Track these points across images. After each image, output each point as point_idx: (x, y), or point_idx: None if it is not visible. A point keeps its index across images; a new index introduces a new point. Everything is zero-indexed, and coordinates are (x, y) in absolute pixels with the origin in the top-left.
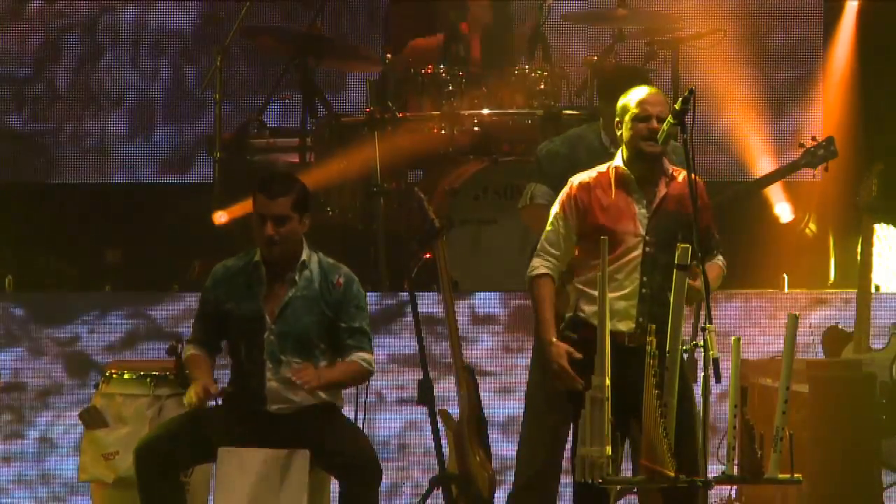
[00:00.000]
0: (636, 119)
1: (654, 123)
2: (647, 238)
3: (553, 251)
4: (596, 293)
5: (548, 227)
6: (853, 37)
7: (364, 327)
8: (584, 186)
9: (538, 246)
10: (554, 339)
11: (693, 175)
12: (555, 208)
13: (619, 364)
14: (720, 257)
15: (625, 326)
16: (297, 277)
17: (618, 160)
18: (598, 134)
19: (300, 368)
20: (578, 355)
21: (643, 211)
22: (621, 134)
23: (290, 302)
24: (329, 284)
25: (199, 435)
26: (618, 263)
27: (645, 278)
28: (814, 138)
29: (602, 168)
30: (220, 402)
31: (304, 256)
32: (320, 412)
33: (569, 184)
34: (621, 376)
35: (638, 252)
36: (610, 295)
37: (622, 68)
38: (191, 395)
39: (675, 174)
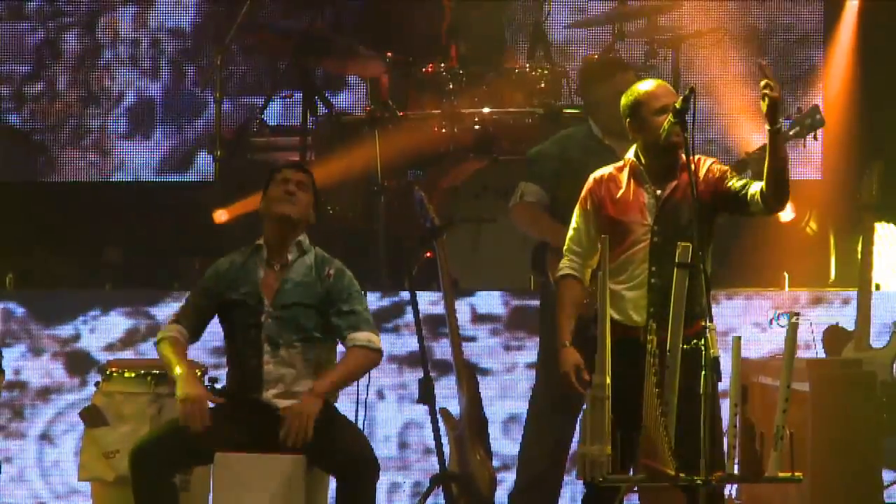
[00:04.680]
0: (656, 112)
1: None
2: (655, 227)
3: (576, 248)
4: (614, 287)
5: (572, 225)
6: (853, 36)
7: (360, 310)
8: (599, 180)
9: (565, 246)
10: (567, 343)
11: (693, 166)
12: (577, 206)
13: (631, 360)
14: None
15: (637, 316)
16: (290, 256)
17: (631, 154)
18: (588, 129)
19: (287, 427)
20: (587, 377)
21: (651, 201)
22: (636, 128)
23: (288, 286)
24: (321, 275)
25: (196, 438)
26: (627, 254)
27: (654, 268)
28: (799, 109)
29: (620, 163)
30: (216, 401)
31: (300, 237)
32: None
33: (589, 179)
34: (635, 374)
35: (645, 242)
36: (620, 286)
37: (601, 59)
38: (193, 422)
39: (692, 163)
